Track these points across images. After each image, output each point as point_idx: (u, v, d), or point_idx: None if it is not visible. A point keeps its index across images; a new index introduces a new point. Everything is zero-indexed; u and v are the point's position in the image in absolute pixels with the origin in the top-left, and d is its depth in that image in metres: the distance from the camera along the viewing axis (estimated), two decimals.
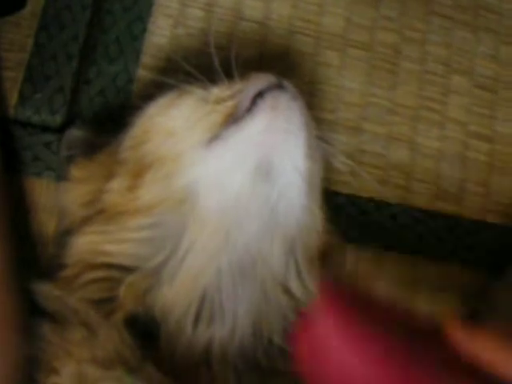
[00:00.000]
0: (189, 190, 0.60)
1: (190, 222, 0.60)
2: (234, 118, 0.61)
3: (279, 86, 0.63)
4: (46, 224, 0.71)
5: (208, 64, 0.75)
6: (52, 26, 0.73)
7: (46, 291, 0.59)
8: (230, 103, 0.62)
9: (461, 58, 0.81)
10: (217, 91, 0.63)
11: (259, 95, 0.61)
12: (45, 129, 0.73)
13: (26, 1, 0.74)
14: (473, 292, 0.74)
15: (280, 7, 0.78)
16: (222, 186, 0.60)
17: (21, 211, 0.70)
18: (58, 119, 0.72)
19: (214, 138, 0.61)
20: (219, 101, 0.62)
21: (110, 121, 0.73)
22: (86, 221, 0.62)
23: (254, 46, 0.78)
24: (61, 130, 0.72)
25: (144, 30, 0.76)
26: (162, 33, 0.77)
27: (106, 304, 0.58)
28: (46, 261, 0.69)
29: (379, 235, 0.74)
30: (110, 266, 0.60)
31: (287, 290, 0.62)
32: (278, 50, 0.78)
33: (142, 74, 0.76)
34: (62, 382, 0.55)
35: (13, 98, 0.73)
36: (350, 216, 0.75)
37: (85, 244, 0.61)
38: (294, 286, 0.62)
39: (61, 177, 0.70)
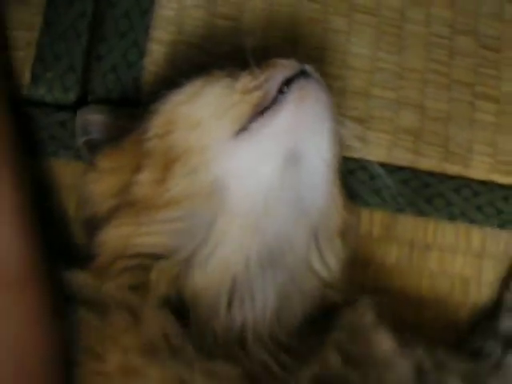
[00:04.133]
0: (217, 183, 0.62)
1: (219, 214, 0.62)
2: (261, 109, 0.62)
3: (304, 73, 0.64)
4: (66, 203, 0.72)
5: (218, 34, 0.77)
6: (60, 4, 0.74)
7: (82, 279, 0.62)
8: (256, 93, 0.63)
9: (465, 18, 0.81)
10: (243, 81, 0.63)
11: (286, 83, 0.62)
12: (59, 107, 0.74)
13: None
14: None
15: None
16: (251, 179, 0.62)
17: (42, 192, 0.71)
18: (71, 97, 0.74)
19: (242, 130, 0.62)
20: (246, 91, 0.63)
21: (123, 99, 0.74)
22: (114, 212, 0.64)
23: (263, 13, 0.78)
24: (75, 107, 0.73)
25: (153, 3, 0.76)
26: (169, 5, 0.77)
27: (138, 290, 0.60)
28: (73, 247, 0.71)
29: (391, 199, 0.76)
30: (140, 255, 0.62)
31: (311, 270, 0.65)
32: (286, 18, 0.79)
33: (154, 48, 0.76)
34: (107, 370, 0.57)
35: (24, 78, 0.73)
36: (362, 181, 0.77)
37: (115, 236, 0.63)
38: (317, 265, 0.66)
39: (78, 156, 0.72)
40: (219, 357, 0.57)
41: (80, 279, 0.61)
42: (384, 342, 0.61)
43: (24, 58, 0.74)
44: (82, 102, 0.74)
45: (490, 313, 0.76)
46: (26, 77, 0.73)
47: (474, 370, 0.66)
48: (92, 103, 0.74)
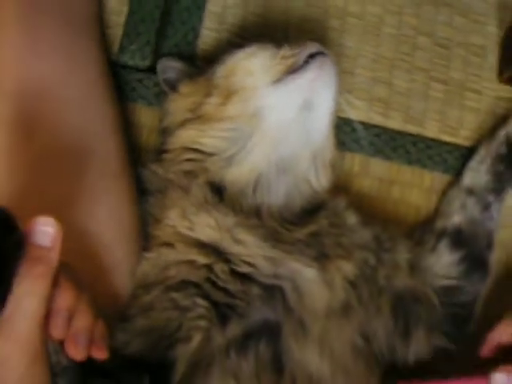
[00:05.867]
0: (258, 112, 0.85)
1: (255, 131, 0.85)
2: (293, 70, 0.86)
3: (322, 53, 0.87)
4: (139, 135, 0.98)
5: (251, 26, 1.01)
6: None
7: (153, 170, 0.88)
8: (291, 60, 0.86)
9: (426, 25, 1.03)
10: (284, 50, 0.87)
11: (311, 57, 0.86)
12: (137, 69, 0.98)
13: None
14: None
15: None
16: (280, 112, 0.85)
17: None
18: (146, 63, 0.98)
19: (279, 81, 0.86)
20: (284, 57, 0.86)
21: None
22: (187, 121, 0.87)
23: (282, 15, 1.04)
24: (148, 70, 0.98)
25: (205, 1, 1.02)
26: (217, 3, 1.03)
27: (190, 174, 0.86)
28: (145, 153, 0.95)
29: (367, 147, 0.99)
30: (198, 151, 0.87)
31: (308, 182, 0.90)
32: (297, 18, 1.03)
33: (205, 33, 1.02)
34: (171, 222, 0.83)
35: (114, 48, 0.98)
36: (346, 132, 0.99)
37: (185, 135, 0.87)
38: (313, 180, 0.90)
39: (150, 103, 0.98)
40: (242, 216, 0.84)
41: (152, 169, 0.87)
42: (351, 217, 0.89)
43: (114, 34, 0.99)
44: (154, 67, 0.98)
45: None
46: (115, 47, 0.98)
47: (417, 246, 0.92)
48: None
